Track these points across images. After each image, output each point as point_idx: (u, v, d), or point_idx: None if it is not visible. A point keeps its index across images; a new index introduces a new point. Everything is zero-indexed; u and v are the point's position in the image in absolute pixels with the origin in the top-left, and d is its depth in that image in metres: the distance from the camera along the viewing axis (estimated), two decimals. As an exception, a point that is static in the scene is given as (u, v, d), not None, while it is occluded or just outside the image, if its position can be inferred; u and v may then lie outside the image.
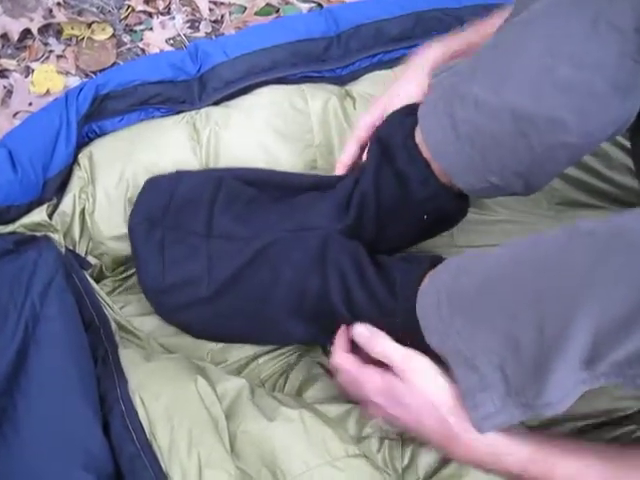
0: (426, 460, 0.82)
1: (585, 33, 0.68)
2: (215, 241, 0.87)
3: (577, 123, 0.69)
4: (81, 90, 1.00)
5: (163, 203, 0.91)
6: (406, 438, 0.84)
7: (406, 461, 0.83)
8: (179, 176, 0.93)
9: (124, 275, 0.99)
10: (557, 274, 0.60)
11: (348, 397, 0.81)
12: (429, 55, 0.92)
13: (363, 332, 0.78)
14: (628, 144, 1.05)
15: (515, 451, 0.68)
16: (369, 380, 0.75)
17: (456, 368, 0.69)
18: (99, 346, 0.84)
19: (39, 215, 0.91)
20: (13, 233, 0.90)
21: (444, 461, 0.81)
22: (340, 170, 0.93)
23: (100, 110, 1.02)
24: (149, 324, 0.94)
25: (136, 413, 0.72)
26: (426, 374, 0.72)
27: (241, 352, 0.93)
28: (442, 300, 0.70)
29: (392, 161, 0.83)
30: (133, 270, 0.98)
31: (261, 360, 0.93)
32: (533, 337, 0.60)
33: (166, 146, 0.98)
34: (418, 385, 0.72)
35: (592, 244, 0.58)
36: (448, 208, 0.86)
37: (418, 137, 0.81)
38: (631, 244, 0.55)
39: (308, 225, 0.86)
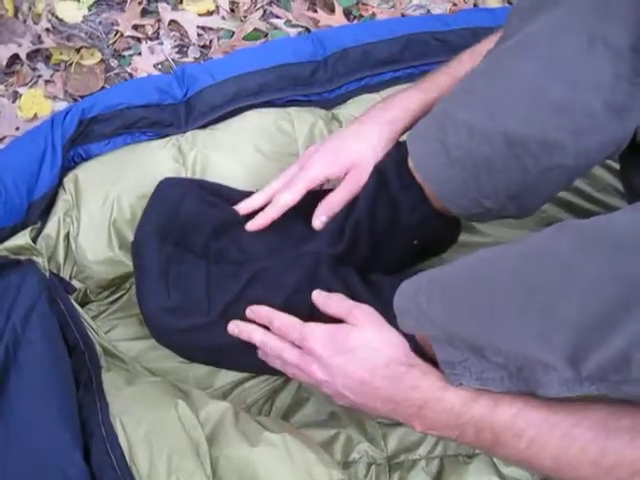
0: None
1: (581, 54, 0.68)
2: (212, 263, 0.86)
3: (573, 145, 0.69)
4: (67, 113, 1.00)
5: (171, 216, 0.88)
6: (393, 464, 0.83)
7: (393, 486, 0.82)
8: (184, 190, 0.90)
9: (110, 299, 0.98)
10: (541, 263, 0.59)
11: (283, 365, 0.78)
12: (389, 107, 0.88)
13: (321, 293, 0.78)
14: (615, 165, 1.05)
15: (461, 389, 0.66)
16: (314, 329, 0.73)
17: (434, 343, 0.68)
18: (82, 370, 0.82)
19: (23, 238, 0.91)
20: (-4, 257, 0.89)
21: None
22: (279, 211, 0.86)
23: (86, 134, 1.02)
24: (135, 348, 0.93)
25: (117, 438, 0.71)
26: (374, 316, 0.73)
27: (227, 377, 0.92)
28: (422, 286, 0.70)
29: (387, 188, 0.83)
30: (119, 294, 0.98)
31: (247, 385, 0.92)
32: (515, 324, 0.60)
33: (151, 169, 0.98)
34: (367, 325, 0.72)
35: (578, 237, 0.57)
36: (438, 233, 0.86)
37: (411, 162, 0.81)
38: (616, 240, 0.54)
39: (302, 251, 0.85)
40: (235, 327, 0.80)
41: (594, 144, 0.70)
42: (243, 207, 0.89)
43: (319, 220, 0.86)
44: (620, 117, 0.68)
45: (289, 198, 0.86)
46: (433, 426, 0.68)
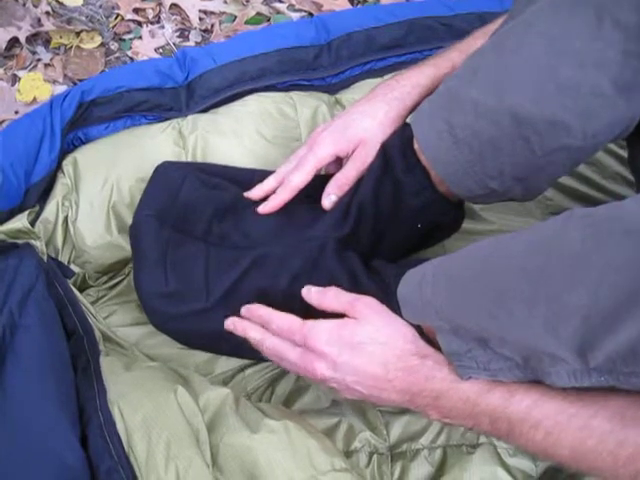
0: (416, 476, 0.80)
1: (589, 31, 0.66)
2: (213, 249, 0.84)
3: (581, 125, 0.68)
4: (66, 96, 0.99)
5: (170, 199, 0.87)
6: (395, 453, 0.82)
7: (396, 476, 0.81)
8: (184, 174, 0.89)
9: (108, 284, 0.97)
10: (550, 253, 0.58)
11: (283, 361, 0.76)
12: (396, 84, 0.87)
13: (310, 289, 0.76)
14: (622, 153, 1.04)
15: (474, 380, 0.66)
16: (318, 327, 0.71)
17: (438, 333, 0.67)
18: (81, 355, 0.81)
19: (20, 222, 0.89)
20: (-6, 240, 0.88)
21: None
22: (290, 193, 0.85)
23: (85, 117, 1.00)
24: (134, 334, 0.92)
25: (114, 424, 0.70)
26: (379, 307, 0.72)
27: (227, 364, 0.91)
28: (426, 277, 0.69)
29: (392, 169, 0.82)
30: (118, 279, 0.97)
31: (247, 372, 0.91)
32: (522, 315, 0.58)
33: (151, 152, 0.97)
34: (372, 317, 0.71)
35: (588, 225, 0.56)
36: (442, 218, 0.85)
37: (416, 144, 0.79)
38: (628, 229, 0.53)
39: (306, 235, 0.84)
40: (231, 323, 0.79)
41: (601, 124, 0.68)
42: (255, 193, 0.88)
43: (328, 199, 0.85)
44: (628, 96, 0.67)
45: (300, 179, 0.85)
46: (449, 415, 0.68)
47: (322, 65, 1.12)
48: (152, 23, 1.32)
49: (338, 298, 0.74)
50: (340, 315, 0.73)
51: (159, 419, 0.70)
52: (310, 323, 0.72)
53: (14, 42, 1.27)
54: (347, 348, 0.70)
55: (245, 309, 0.79)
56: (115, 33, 1.30)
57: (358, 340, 0.69)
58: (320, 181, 0.87)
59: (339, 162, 0.87)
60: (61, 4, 1.30)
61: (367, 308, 0.72)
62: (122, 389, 0.74)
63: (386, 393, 0.70)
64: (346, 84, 1.13)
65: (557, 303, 0.56)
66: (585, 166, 1.05)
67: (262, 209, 0.86)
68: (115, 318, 0.94)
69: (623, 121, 0.69)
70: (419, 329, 0.71)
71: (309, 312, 0.75)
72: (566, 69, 0.67)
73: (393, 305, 0.72)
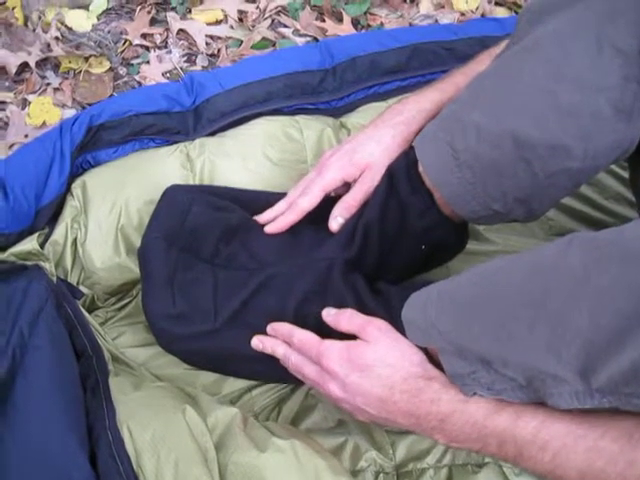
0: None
1: (589, 57, 0.68)
2: (221, 270, 0.85)
3: (581, 148, 0.69)
4: (75, 120, 1.00)
5: (178, 222, 0.88)
6: (401, 472, 0.83)
7: (401, 495, 0.81)
8: (192, 196, 0.90)
9: (117, 306, 0.97)
10: (552, 276, 0.58)
11: (304, 377, 0.77)
12: (403, 108, 0.89)
13: (330, 311, 0.77)
14: (623, 173, 1.05)
15: (483, 401, 0.66)
16: (332, 347, 0.73)
17: (442, 355, 0.68)
18: (90, 375, 0.82)
19: (30, 244, 0.90)
20: (3, 262, 0.89)
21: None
22: (297, 215, 0.87)
23: (94, 141, 1.02)
24: (142, 355, 0.93)
25: (123, 443, 0.70)
26: (388, 330, 0.72)
27: (234, 385, 0.91)
28: (431, 299, 0.69)
29: (397, 192, 0.83)
30: (126, 300, 0.98)
31: (254, 392, 0.91)
32: (525, 337, 0.59)
33: (158, 175, 0.98)
34: (381, 340, 0.71)
35: (590, 249, 0.57)
36: (446, 239, 0.86)
37: (420, 167, 0.81)
38: (628, 253, 0.54)
39: (314, 257, 0.85)
40: (259, 342, 0.80)
41: (602, 147, 0.69)
42: (266, 217, 0.90)
43: (335, 221, 0.86)
44: (628, 119, 0.68)
45: (307, 202, 0.87)
46: (456, 439, 0.67)
47: (327, 89, 1.14)
48: (160, 48, 1.34)
49: (351, 320, 0.75)
50: (354, 336, 0.74)
51: (168, 438, 0.70)
52: (326, 343, 0.73)
53: (24, 67, 1.29)
54: (356, 370, 0.70)
55: (270, 327, 0.80)
56: (123, 58, 1.32)
57: (366, 362, 0.70)
58: (328, 204, 0.88)
59: (347, 185, 0.89)
60: (70, 30, 1.33)
61: (377, 331, 0.72)
62: (131, 409, 0.75)
63: (393, 415, 0.70)
64: (351, 108, 1.14)
65: (559, 325, 0.57)
66: (587, 187, 1.06)
67: (269, 229, 0.87)
68: (123, 339, 0.94)
69: (623, 144, 0.70)
70: (427, 352, 0.72)
71: (319, 333, 0.76)
72: (567, 94, 0.68)
73: (399, 327, 0.73)
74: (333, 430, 0.86)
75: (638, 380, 0.53)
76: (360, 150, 0.86)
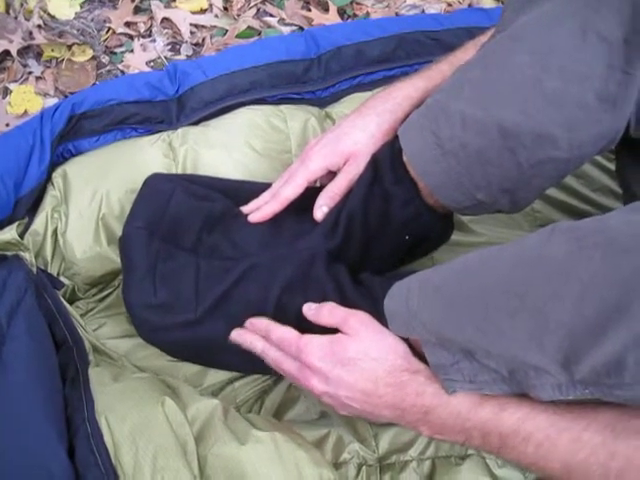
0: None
1: (574, 45, 0.67)
2: (202, 260, 0.84)
3: (566, 137, 0.68)
4: (56, 109, 0.99)
5: (160, 211, 0.87)
6: (384, 465, 0.82)
7: (384, 488, 0.80)
8: (173, 186, 0.89)
9: (98, 297, 0.96)
10: (535, 266, 0.58)
11: (284, 373, 0.77)
12: (387, 96, 0.88)
13: (311, 306, 0.77)
14: (609, 165, 1.05)
15: (467, 394, 0.66)
16: (312, 342, 0.72)
17: (425, 346, 0.68)
18: (70, 365, 0.81)
19: (9, 233, 0.89)
20: (-18, 252, 0.87)
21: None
22: (280, 205, 0.86)
23: (76, 129, 1.01)
24: (123, 346, 0.92)
25: (102, 436, 0.69)
26: (371, 323, 0.72)
27: (217, 376, 0.91)
28: (413, 289, 0.69)
29: (381, 181, 0.82)
30: (108, 291, 0.97)
31: (237, 384, 0.91)
32: (507, 327, 0.59)
33: (141, 164, 0.96)
34: (364, 333, 0.71)
35: (573, 239, 0.56)
36: (430, 230, 0.85)
37: (405, 156, 0.80)
38: (612, 241, 0.53)
39: (297, 247, 0.84)
40: (237, 335, 0.79)
41: (587, 136, 0.69)
42: (251, 207, 0.88)
43: (320, 210, 0.85)
44: (612, 108, 0.68)
45: (290, 191, 0.86)
46: (440, 431, 0.68)
47: (312, 79, 1.13)
48: (143, 37, 1.33)
49: (332, 313, 0.74)
50: (335, 329, 0.73)
51: (146, 431, 0.69)
52: (305, 338, 0.73)
53: (5, 55, 1.27)
54: (339, 364, 0.70)
55: (249, 322, 0.79)
56: (106, 46, 1.30)
57: (350, 356, 0.70)
58: (312, 194, 0.87)
59: (332, 175, 0.88)
60: (53, 17, 1.31)
61: (360, 324, 0.72)
62: (110, 400, 0.74)
63: (378, 409, 0.70)
64: (336, 97, 1.13)
65: (541, 316, 0.56)
66: (573, 178, 1.06)
67: (252, 218, 0.86)
68: (104, 330, 0.93)
69: (608, 133, 0.70)
70: (410, 344, 0.72)
71: (301, 324, 0.76)
72: (551, 82, 0.68)
73: (381, 318, 0.72)
74: (316, 422, 0.85)
75: (620, 371, 0.53)
76: (344, 139, 0.85)
